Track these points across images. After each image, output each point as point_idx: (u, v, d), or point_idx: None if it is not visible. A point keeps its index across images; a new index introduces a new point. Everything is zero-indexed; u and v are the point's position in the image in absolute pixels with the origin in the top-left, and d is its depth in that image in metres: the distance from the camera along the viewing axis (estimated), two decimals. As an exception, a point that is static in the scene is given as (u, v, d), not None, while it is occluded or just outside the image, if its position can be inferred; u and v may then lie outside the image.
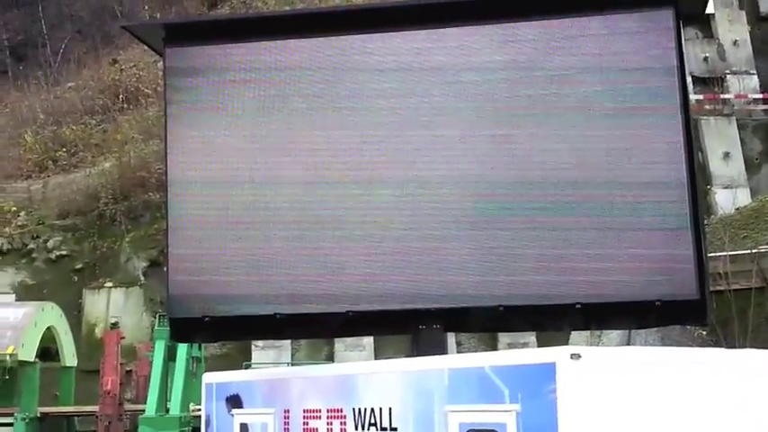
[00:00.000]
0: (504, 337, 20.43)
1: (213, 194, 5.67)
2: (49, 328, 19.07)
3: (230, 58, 5.73)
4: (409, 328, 5.52)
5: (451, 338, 18.85)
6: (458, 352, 18.27)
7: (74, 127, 31.78)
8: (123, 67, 34.23)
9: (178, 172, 5.72)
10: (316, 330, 6.30)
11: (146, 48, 6.55)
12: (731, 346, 9.04)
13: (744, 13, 28.36)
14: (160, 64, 6.92)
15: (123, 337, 19.07)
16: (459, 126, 5.40)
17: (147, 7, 37.82)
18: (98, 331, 23.43)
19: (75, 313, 23.47)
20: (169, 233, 5.74)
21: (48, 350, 19.50)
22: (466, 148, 5.37)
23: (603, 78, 5.27)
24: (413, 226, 5.38)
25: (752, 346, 8.60)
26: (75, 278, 25.45)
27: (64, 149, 31.00)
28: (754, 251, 9.86)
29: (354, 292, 5.44)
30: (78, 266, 25.66)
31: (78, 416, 19.58)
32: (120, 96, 32.91)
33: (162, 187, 6.06)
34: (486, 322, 5.59)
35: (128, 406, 18.76)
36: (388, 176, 5.44)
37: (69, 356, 20.17)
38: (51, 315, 19.47)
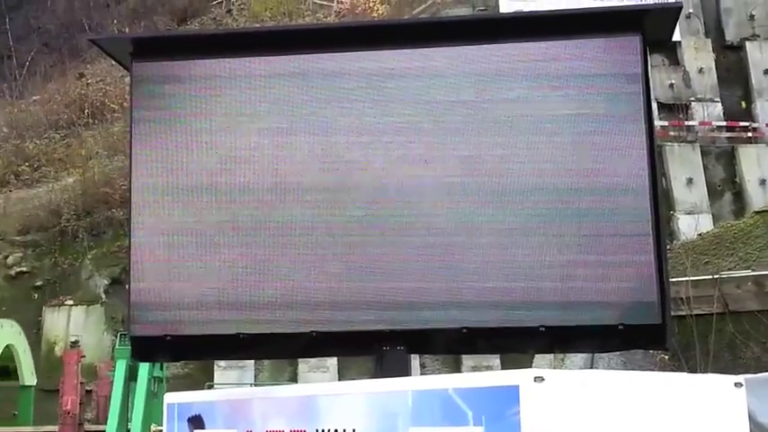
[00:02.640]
0: (467, 360, 20.48)
1: (178, 212, 5.62)
2: (7, 346, 18.79)
3: (198, 73, 5.70)
4: (373, 349, 5.50)
5: (415, 361, 18.86)
6: (422, 374, 18.25)
7: (37, 141, 31.52)
8: (90, 81, 34.06)
9: (142, 187, 5.67)
10: (280, 351, 6.26)
11: (113, 62, 6.52)
12: (693, 370, 9.11)
13: (709, 41, 28.92)
14: (127, 79, 6.89)
15: (83, 356, 18.86)
16: (423, 144, 5.43)
17: (115, 21, 37.72)
18: (58, 350, 23.13)
19: (34, 331, 23.17)
20: (132, 250, 5.67)
21: (6, 369, 19.22)
22: (431, 166, 5.39)
23: (569, 102, 5.32)
24: (377, 244, 5.38)
25: (713, 371, 8.68)
26: (36, 295, 25.12)
27: (27, 164, 30.70)
28: (715, 276, 9.95)
29: (319, 312, 5.42)
30: (38, 283, 25.35)
31: (37, 436, 19.29)
32: (86, 111, 32.70)
33: (126, 203, 6.00)
34: (450, 344, 5.58)
35: (88, 426, 18.53)
36: (353, 195, 5.44)
37: (28, 375, 19.88)
38: (10, 333, 19.20)
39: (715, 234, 11.81)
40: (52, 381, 19.64)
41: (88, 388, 19.60)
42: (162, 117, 5.71)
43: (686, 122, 27.28)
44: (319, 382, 19.08)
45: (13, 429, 18.74)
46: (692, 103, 27.80)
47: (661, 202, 5.33)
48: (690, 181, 26.03)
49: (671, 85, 27.68)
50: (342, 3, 36.03)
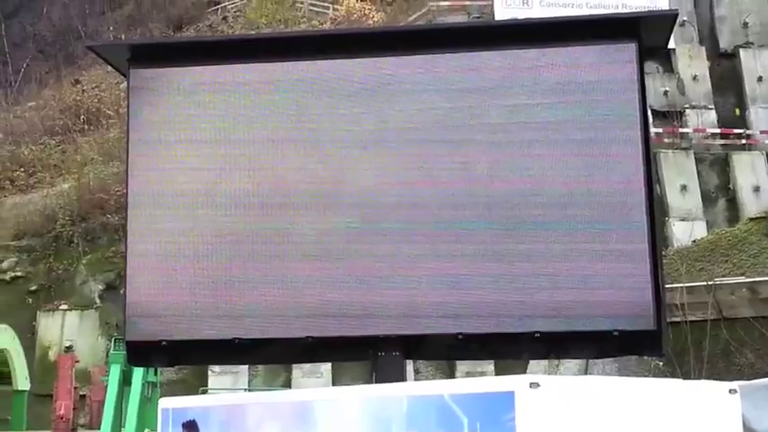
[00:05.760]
0: (461, 366, 20.49)
1: (174, 217, 5.63)
2: (1, 350, 18.72)
3: (195, 80, 5.72)
4: (369, 354, 5.51)
5: (409, 366, 18.86)
6: (415, 380, 18.25)
7: (32, 147, 31.50)
8: (85, 87, 34.05)
9: (139, 192, 5.68)
10: (275, 356, 6.26)
11: (108, 69, 6.54)
12: (687, 376, 9.13)
13: (704, 48, 29.03)
14: (122, 85, 6.91)
15: (78, 361, 18.81)
16: (420, 150, 5.44)
17: (111, 28, 37.76)
18: (52, 354, 23.08)
19: (28, 336, 23.11)
20: (128, 255, 5.68)
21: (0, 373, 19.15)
22: (426, 174, 5.41)
23: (564, 109, 5.34)
24: (373, 250, 5.39)
25: (707, 377, 8.68)
26: (30, 300, 25.08)
27: (22, 169, 30.68)
28: (709, 283, 9.99)
29: (315, 318, 5.43)
30: (33, 288, 25.32)
31: (30, 441, 19.22)
32: (81, 117, 32.71)
33: (121, 209, 6.03)
34: (445, 350, 5.60)
35: (81, 431, 18.45)
36: (348, 202, 5.45)
37: (22, 380, 19.79)
38: (4, 337, 19.13)
39: (709, 241, 11.85)
40: (46, 385, 19.60)
41: (82, 393, 19.55)
42: (158, 123, 5.72)
43: (680, 129, 27.37)
44: (313, 387, 19.06)
45: (6, 435, 18.71)
46: (687, 110, 27.88)
47: (656, 208, 5.35)
48: (684, 188, 26.08)
49: (665, 93, 27.75)
50: (338, 10, 36.08)
